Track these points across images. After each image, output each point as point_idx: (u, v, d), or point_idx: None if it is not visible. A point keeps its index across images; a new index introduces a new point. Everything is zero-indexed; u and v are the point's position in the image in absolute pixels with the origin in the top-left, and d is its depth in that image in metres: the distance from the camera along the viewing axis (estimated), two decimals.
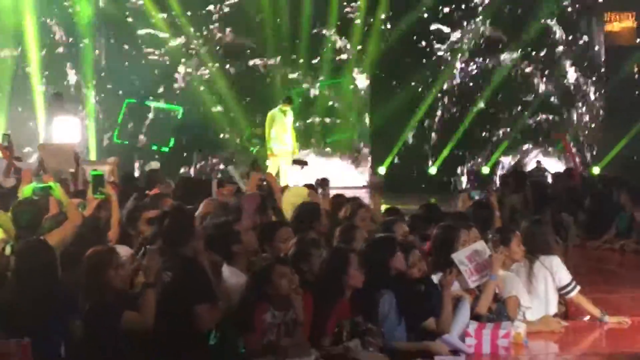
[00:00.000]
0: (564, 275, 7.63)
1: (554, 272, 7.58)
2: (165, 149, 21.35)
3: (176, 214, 6.87)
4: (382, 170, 22.29)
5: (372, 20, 22.58)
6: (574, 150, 21.37)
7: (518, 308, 7.24)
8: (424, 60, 23.05)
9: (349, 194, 11.07)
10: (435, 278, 6.86)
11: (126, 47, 21.36)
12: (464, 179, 22.87)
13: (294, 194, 9.77)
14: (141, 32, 21.35)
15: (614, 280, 10.87)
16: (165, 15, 21.47)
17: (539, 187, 13.81)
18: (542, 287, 7.53)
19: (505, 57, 23.30)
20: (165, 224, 6.67)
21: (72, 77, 21.05)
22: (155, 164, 14.98)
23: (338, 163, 22.29)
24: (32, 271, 5.71)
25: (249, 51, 22.15)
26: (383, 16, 22.64)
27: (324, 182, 10.35)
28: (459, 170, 23.01)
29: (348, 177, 21.83)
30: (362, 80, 22.81)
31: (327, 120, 22.58)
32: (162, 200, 8.81)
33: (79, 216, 7.49)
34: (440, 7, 22.82)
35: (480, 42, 23.24)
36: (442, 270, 6.84)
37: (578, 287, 7.67)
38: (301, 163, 16.10)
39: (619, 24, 23.92)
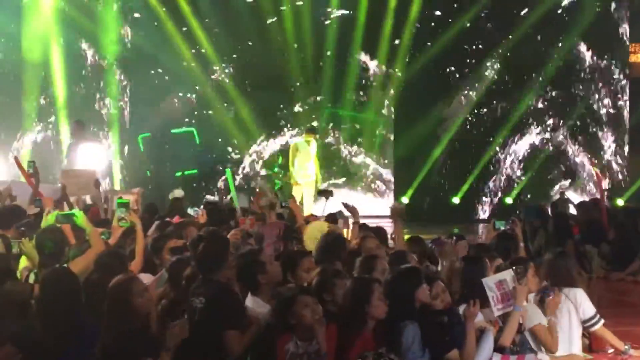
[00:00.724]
0: (588, 308, 7.57)
1: (578, 304, 7.53)
2: (193, 171, 21.46)
3: (212, 239, 6.88)
4: (404, 200, 22.25)
5: (397, 48, 22.69)
6: (603, 181, 21.24)
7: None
8: (449, 91, 23.10)
9: (372, 223, 11.09)
10: (460, 309, 6.83)
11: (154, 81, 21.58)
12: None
13: (316, 228, 9.75)
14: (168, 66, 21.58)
15: (638, 313, 10.77)
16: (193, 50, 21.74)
17: (562, 218, 13.72)
18: (566, 320, 7.47)
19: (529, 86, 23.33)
20: (199, 250, 6.67)
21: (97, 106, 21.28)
22: (179, 192, 15.00)
23: (361, 192, 22.28)
24: (55, 299, 5.72)
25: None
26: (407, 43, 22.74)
27: (342, 213, 10.37)
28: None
29: (372, 205, 21.87)
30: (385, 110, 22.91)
31: (352, 149, 22.67)
32: (187, 228, 8.83)
33: (102, 244, 7.52)
34: (465, 37, 22.85)
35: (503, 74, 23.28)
36: (467, 302, 6.80)
37: (602, 320, 7.61)
38: (327, 194, 16.09)
39: None
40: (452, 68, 23.07)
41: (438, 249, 8.93)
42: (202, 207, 12.53)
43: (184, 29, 21.55)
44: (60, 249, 7.39)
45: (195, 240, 7.00)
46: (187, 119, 22.00)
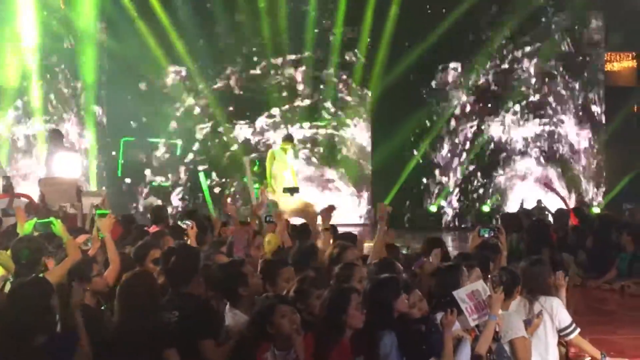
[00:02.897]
0: (564, 317, 7.58)
1: (554, 314, 7.52)
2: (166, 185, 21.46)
3: (181, 252, 6.86)
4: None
5: (373, 60, 22.79)
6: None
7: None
8: (425, 99, 23.20)
9: (351, 230, 11.11)
10: (438, 317, 6.84)
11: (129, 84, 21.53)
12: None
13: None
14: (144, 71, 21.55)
15: (614, 321, 10.83)
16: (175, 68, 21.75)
17: (539, 227, 13.76)
18: (542, 329, 7.46)
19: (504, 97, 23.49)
20: (170, 263, 6.65)
21: (73, 115, 21.18)
22: (156, 200, 14.99)
23: (340, 198, 22.30)
24: (26, 308, 5.65)
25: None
26: (383, 56, 22.87)
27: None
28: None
29: (350, 213, 21.94)
30: (362, 122, 22.98)
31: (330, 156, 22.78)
32: (163, 238, 8.79)
33: (79, 253, 7.47)
34: (442, 47, 22.94)
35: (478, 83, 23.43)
36: (444, 310, 6.81)
37: (578, 329, 7.63)
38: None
39: (619, 64, 24.02)
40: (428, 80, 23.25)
41: (418, 268, 8.94)
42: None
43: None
44: (36, 258, 7.34)
45: (166, 253, 6.97)
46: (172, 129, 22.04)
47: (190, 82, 22.12)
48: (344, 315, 6.24)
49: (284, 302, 6.15)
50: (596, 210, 21.22)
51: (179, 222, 9.42)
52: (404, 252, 11.28)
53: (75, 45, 21.03)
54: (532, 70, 23.50)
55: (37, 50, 20.52)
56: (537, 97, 23.55)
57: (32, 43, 20.44)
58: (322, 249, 8.68)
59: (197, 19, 21.69)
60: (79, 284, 6.33)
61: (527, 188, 22.92)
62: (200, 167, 21.72)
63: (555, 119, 23.59)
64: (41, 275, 6.58)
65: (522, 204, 19.81)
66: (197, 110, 22.20)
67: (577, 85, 23.65)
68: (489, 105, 23.48)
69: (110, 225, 8.12)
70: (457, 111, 23.44)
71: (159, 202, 14.88)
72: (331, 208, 9.92)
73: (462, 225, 22.88)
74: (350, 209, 22.40)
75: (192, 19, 21.61)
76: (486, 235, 9.42)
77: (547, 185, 18.35)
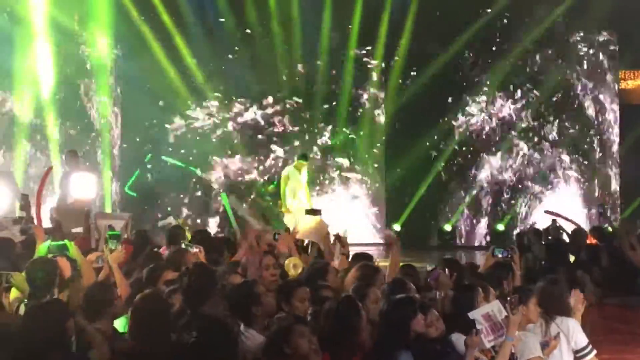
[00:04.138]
0: (581, 338, 7.51)
1: (570, 334, 7.46)
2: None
3: (196, 273, 6.85)
4: (397, 227, 22.26)
5: (388, 77, 22.84)
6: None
7: None
8: (440, 119, 23.20)
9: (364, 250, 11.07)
10: (454, 338, 6.81)
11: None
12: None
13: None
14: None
15: (631, 341, 10.75)
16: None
17: (555, 246, 13.69)
18: (558, 350, 7.39)
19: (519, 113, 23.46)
20: (185, 283, 6.64)
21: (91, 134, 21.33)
22: (171, 219, 14.95)
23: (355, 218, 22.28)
24: (41, 330, 5.65)
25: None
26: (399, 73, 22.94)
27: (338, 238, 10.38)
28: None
29: (365, 232, 21.90)
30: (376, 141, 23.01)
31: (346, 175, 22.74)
32: (185, 256, 8.73)
33: (93, 275, 7.48)
34: (458, 65, 23.01)
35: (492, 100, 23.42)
36: (459, 331, 6.79)
37: (594, 351, 7.56)
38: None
39: (634, 81, 23.96)
40: (444, 96, 23.24)
41: (433, 280, 8.90)
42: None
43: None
44: (51, 280, 7.34)
45: (183, 273, 6.96)
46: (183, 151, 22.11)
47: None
48: (356, 336, 6.22)
49: (301, 322, 6.12)
50: (610, 229, 21.10)
51: (184, 246, 9.35)
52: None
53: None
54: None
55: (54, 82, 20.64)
56: (551, 118, 23.52)
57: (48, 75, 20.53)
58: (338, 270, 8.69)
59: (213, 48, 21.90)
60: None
61: (542, 208, 22.84)
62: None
63: (569, 139, 23.54)
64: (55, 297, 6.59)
65: (533, 223, 19.74)
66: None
67: (592, 103, 23.60)
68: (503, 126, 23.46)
69: (120, 258, 8.11)
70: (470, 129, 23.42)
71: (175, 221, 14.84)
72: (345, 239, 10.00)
73: (476, 244, 22.81)
74: (364, 228, 22.32)
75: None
76: (500, 256, 9.38)
77: (549, 212, 18.27)
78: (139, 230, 13.01)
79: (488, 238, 22.86)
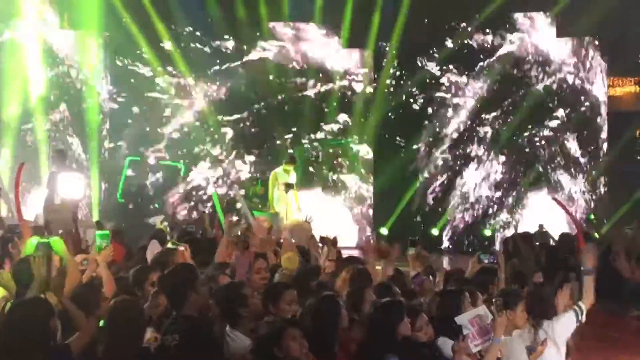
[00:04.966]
0: (565, 325, 7.50)
1: (556, 333, 7.44)
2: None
3: (175, 272, 6.83)
4: (384, 230, 22.26)
5: (375, 84, 22.86)
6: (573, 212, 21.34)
7: None
8: (426, 122, 23.24)
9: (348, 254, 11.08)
10: (440, 342, 6.81)
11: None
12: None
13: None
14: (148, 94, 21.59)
15: (621, 347, 10.77)
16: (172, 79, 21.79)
17: (548, 251, 13.69)
18: (546, 355, 7.41)
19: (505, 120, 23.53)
20: (166, 285, 6.62)
21: (75, 138, 21.20)
22: (159, 221, 14.91)
23: (342, 220, 22.25)
24: (25, 328, 5.62)
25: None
26: (387, 81, 22.95)
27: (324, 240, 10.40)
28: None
29: (349, 236, 21.88)
30: (365, 144, 22.99)
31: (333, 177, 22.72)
32: (174, 256, 8.70)
33: (79, 274, 7.43)
34: (443, 72, 23.05)
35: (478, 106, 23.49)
36: (445, 335, 6.79)
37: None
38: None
39: (622, 88, 24.01)
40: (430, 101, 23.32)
41: (417, 286, 8.92)
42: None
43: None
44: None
45: (162, 276, 6.94)
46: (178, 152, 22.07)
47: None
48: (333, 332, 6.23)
49: (293, 325, 6.09)
50: (596, 235, 21.14)
51: (171, 245, 9.31)
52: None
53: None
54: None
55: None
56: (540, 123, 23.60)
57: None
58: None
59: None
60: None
61: (529, 212, 22.90)
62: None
63: (557, 143, 23.58)
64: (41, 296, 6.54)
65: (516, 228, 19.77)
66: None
67: (579, 110, 23.67)
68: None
69: (109, 257, 8.06)
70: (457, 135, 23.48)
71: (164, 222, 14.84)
72: (335, 241, 10.00)
73: (465, 249, 22.82)
74: (351, 231, 22.31)
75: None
76: (486, 261, 9.43)
77: (557, 201, 18.23)
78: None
79: (475, 243, 22.84)
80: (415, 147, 23.09)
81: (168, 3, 21.50)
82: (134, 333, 5.86)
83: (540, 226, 19.57)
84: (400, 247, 10.04)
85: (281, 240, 10.95)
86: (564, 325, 7.47)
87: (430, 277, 9.27)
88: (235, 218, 14.85)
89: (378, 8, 22.58)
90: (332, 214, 21.69)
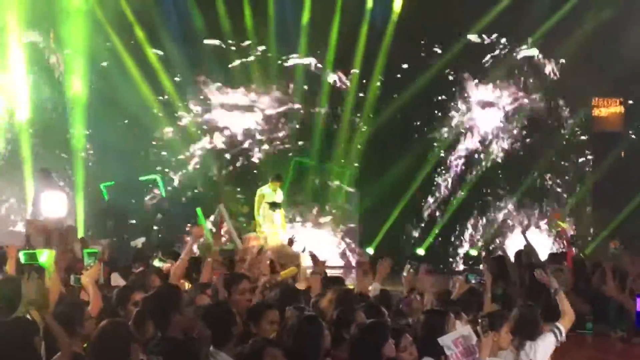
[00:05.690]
0: (545, 346, 7.48)
1: (537, 355, 7.43)
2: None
3: (158, 293, 6.78)
4: (370, 250, 22.20)
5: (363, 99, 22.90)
6: (569, 232, 21.39)
7: None
8: (415, 142, 23.27)
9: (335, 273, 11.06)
10: None
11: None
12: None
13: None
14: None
15: None
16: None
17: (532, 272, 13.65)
18: None
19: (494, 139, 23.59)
20: (150, 307, 6.57)
21: (61, 155, 21.11)
22: (140, 241, 14.86)
23: (328, 240, 22.20)
24: (8, 348, 5.56)
25: None
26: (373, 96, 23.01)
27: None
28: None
29: (336, 255, 21.82)
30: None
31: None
32: (149, 278, 8.66)
33: (60, 288, 7.39)
34: (433, 89, 23.14)
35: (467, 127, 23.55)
36: (429, 356, 6.75)
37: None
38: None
39: (606, 109, 24.11)
40: (418, 121, 23.33)
41: (406, 306, 8.88)
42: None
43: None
44: (16, 298, 7.21)
45: (146, 297, 6.89)
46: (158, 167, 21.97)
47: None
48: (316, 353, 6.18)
49: (273, 345, 6.03)
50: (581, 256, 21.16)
51: (156, 262, 9.26)
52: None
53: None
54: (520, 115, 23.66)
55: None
56: (526, 142, 23.67)
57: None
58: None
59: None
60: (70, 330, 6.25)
61: (514, 233, 22.93)
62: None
63: (541, 162, 23.67)
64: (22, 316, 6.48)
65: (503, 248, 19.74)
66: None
67: (564, 130, 23.78)
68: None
69: (96, 275, 8.02)
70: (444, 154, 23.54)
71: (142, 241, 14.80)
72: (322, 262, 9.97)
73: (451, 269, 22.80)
74: (335, 251, 22.24)
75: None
76: (473, 281, 9.40)
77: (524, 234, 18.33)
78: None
79: (461, 263, 22.82)
80: (402, 165, 23.05)
81: None
82: (122, 356, 5.80)
83: (526, 246, 19.58)
84: (389, 262, 10.03)
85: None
86: (544, 347, 7.47)
87: (418, 296, 9.22)
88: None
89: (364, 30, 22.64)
90: (316, 235, 21.65)
